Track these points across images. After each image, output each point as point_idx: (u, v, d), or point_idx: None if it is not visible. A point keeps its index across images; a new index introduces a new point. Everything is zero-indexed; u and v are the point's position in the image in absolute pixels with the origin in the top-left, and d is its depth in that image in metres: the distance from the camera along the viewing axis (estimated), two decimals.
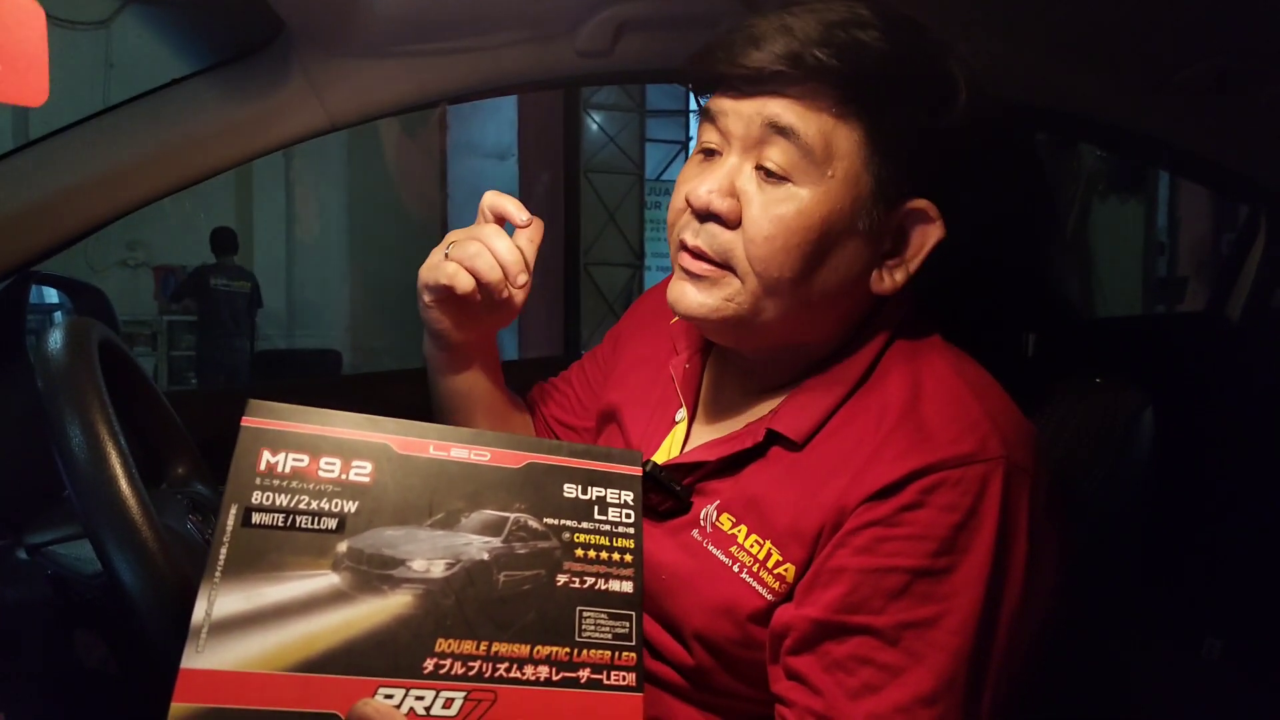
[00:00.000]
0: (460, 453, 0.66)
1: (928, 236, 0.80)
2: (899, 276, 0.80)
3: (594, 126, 7.15)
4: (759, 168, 0.78)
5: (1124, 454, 0.93)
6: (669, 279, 1.07)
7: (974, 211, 1.16)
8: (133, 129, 1.16)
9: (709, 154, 0.82)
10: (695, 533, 0.82)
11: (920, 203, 0.79)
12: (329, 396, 1.54)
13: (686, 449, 0.89)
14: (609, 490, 0.69)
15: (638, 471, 0.71)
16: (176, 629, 0.67)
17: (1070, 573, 0.80)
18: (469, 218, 0.94)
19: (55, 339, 0.76)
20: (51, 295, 1.70)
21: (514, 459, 0.67)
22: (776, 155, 0.76)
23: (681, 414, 0.92)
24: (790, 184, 0.76)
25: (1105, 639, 0.99)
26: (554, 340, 6.39)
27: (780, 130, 0.76)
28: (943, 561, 0.70)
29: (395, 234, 7.10)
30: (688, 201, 0.80)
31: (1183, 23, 1.12)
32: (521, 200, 0.90)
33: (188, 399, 1.60)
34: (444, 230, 6.92)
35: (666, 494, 0.83)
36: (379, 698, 0.59)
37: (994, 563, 0.71)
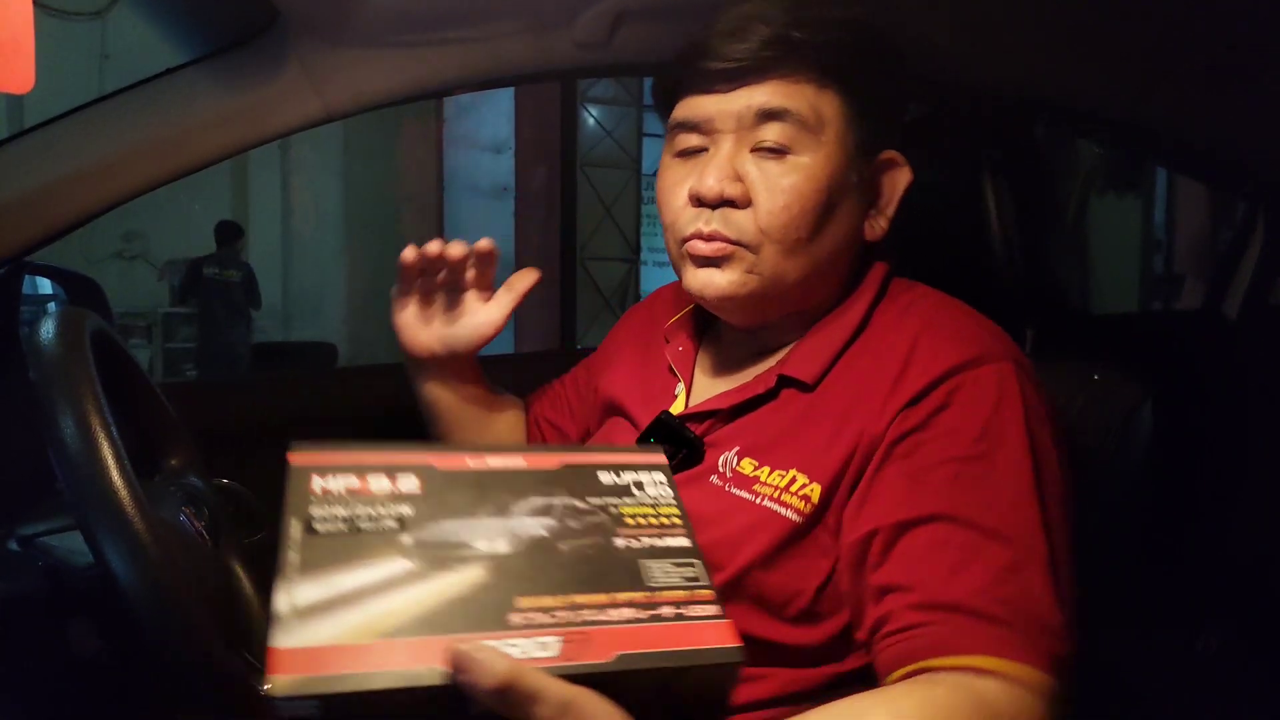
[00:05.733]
0: (497, 461, 0.68)
1: (898, 182, 0.88)
2: (883, 223, 0.88)
3: (591, 121, 7.12)
4: (757, 148, 0.82)
5: (1122, 449, 0.94)
6: (660, 291, 1.10)
7: (970, 207, 1.16)
8: (127, 118, 1.15)
9: (688, 154, 0.86)
10: (714, 478, 0.83)
11: (890, 153, 0.87)
12: (323, 390, 1.54)
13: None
14: (641, 474, 0.71)
15: (664, 459, 0.73)
16: (169, 621, 0.66)
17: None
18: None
19: (48, 329, 0.76)
20: (46, 286, 1.69)
21: (550, 461, 0.70)
22: (773, 134, 0.82)
23: (680, 388, 0.93)
24: (792, 155, 0.82)
25: (1102, 631, 0.99)
26: (550, 335, 6.38)
27: (773, 114, 0.81)
28: (981, 447, 0.74)
29: (391, 227, 7.08)
30: (697, 198, 0.83)
31: (1181, 15, 1.12)
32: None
33: (183, 390, 1.60)
34: (440, 222, 6.93)
35: (679, 443, 0.85)
36: None
37: (1030, 445, 0.75)
